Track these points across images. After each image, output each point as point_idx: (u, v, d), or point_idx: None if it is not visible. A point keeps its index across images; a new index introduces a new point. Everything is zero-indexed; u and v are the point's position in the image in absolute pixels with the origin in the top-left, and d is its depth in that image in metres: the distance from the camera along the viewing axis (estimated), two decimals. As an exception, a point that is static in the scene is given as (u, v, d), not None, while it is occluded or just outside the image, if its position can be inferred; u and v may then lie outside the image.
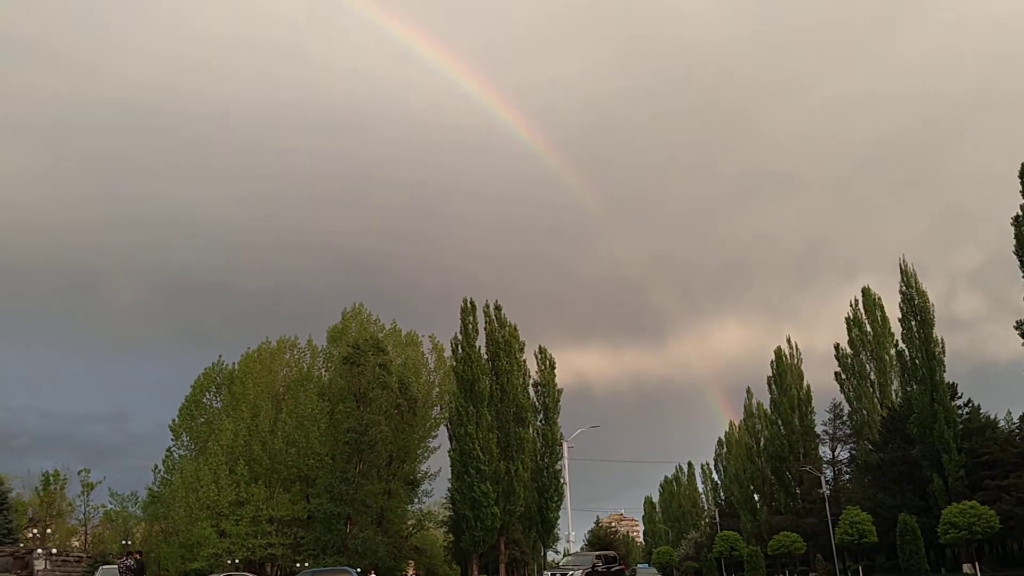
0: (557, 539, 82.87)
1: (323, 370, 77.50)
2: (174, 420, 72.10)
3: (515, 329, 76.89)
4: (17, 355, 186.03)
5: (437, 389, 79.82)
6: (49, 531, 70.39)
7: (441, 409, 78.82)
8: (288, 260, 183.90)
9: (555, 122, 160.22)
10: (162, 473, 70.88)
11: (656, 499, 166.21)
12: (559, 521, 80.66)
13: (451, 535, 78.75)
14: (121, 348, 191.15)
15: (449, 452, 71.99)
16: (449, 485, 73.33)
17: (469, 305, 75.11)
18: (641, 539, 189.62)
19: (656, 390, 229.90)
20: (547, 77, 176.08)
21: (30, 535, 65.66)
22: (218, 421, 71.13)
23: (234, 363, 75.18)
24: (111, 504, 76.00)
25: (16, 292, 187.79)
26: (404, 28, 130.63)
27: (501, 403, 73.31)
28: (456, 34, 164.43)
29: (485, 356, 74.32)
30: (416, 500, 78.79)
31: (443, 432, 76.10)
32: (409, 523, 79.53)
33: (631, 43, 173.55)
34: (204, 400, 74.46)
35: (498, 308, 76.64)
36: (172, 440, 71.92)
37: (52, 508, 76.30)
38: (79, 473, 76.99)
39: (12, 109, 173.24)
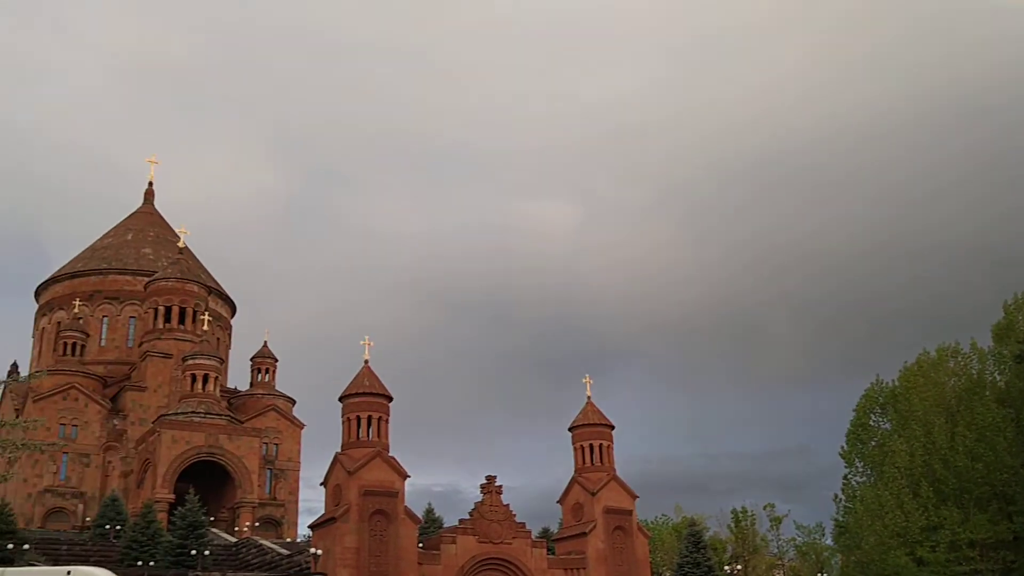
0: None
1: (995, 374, 68.78)
2: (842, 447, 70.25)
3: None
4: (712, 405, 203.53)
5: None
6: (739, 567, 73.23)
7: None
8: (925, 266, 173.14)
9: None
10: (843, 502, 69.17)
11: None
12: None
13: None
14: (793, 383, 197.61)
15: None
16: None
17: None
18: None
19: None
20: None
21: (730, 571, 68.78)
22: (889, 442, 67.23)
23: (893, 380, 70.98)
24: (799, 536, 76.54)
25: (693, 348, 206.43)
26: None
27: None
28: None
29: None
30: None
31: None
32: None
33: None
34: (870, 422, 71.29)
35: None
36: (845, 467, 70.01)
37: (747, 544, 79.52)
38: (764, 508, 79.13)
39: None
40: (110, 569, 52.34)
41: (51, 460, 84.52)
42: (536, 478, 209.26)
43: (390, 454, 53.23)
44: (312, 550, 50.28)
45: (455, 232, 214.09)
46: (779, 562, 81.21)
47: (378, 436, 53.38)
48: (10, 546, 46.68)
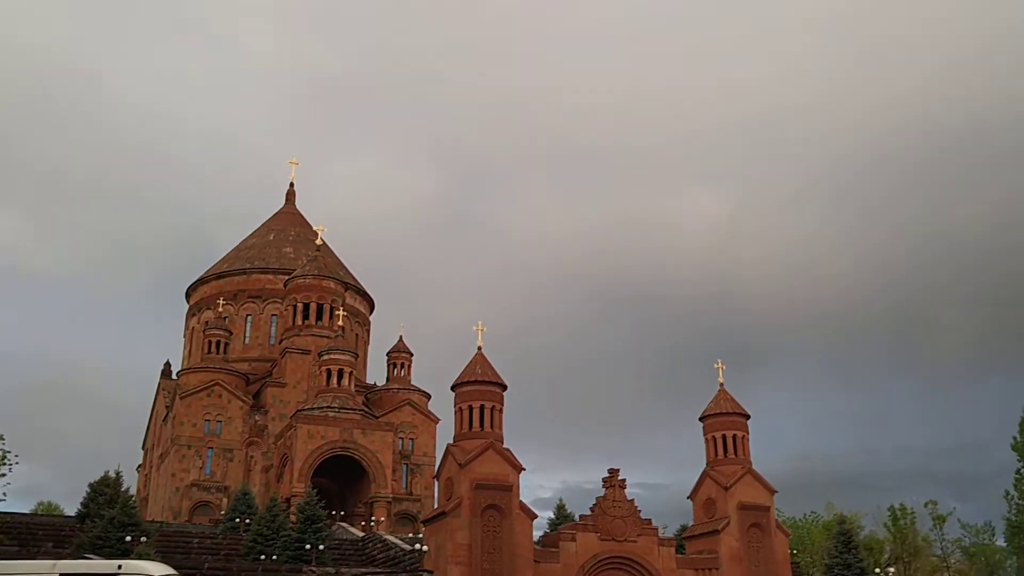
0: None
1: None
2: (1015, 438, 62.85)
3: None
4: (874, 399, 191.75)
5: None
6: (892, 571, 66.62)
7: None
8: None
9: None
10: (1016, 499, 61.92)
11: None
12: None
13: None
14: (963, 375, 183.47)
15: None
16: None
17: None
18: None
19: None
20: None
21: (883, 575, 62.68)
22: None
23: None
24: (966, 537, 69.23)
25: (853, 340, 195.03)
26: None
27: None
28: None
29: None
30: None
31: None
32: None
33: None
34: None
35: None
36: (1019, 460, 62.61)
37: (906, 545, 72.60)
38: (926, 506, 72.18)
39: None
40: (239, 560, 52.87)
41: (197, 455, 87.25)
42: (685, 476, 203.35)
43: (504, 446, 50.85)
44: (418, 546, 48.53)
45: (598, 230, 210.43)
46: (944, 564, 73.80)
47: (491, 427, 50.98)
48: (128, 538, 47.03)
